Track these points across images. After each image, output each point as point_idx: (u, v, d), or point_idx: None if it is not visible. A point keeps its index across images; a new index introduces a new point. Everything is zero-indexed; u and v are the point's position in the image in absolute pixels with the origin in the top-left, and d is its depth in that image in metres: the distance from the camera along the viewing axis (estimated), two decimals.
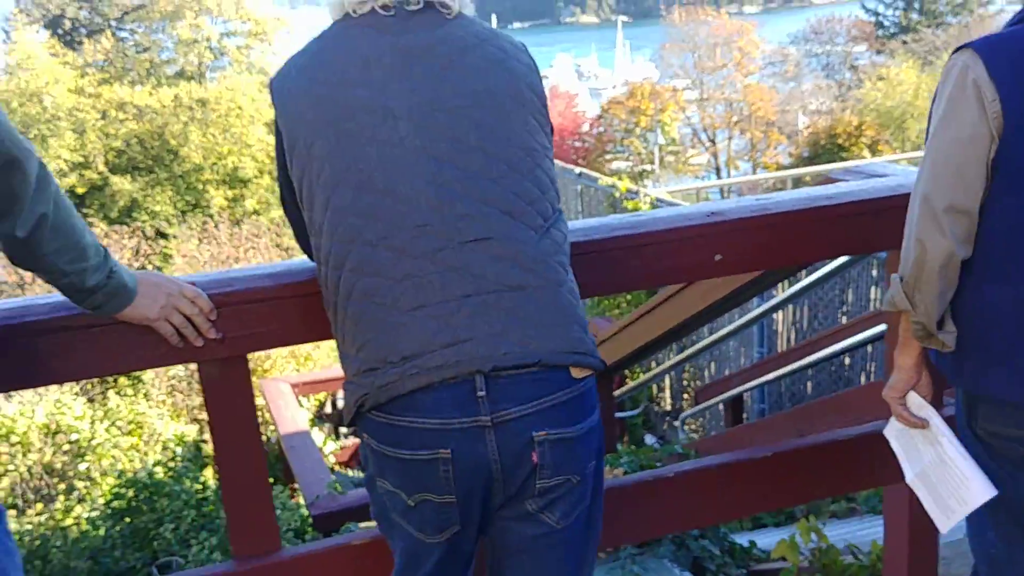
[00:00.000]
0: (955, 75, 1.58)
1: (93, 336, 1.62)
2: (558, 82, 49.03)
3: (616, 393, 5.50)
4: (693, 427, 8.16)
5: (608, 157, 33.76)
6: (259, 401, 8.95)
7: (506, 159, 1.50)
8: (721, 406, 6.07)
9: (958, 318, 1.68)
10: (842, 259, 3.33)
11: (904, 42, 33.87)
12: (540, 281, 1.48)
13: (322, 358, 7.96)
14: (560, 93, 40.50)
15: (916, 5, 39.57)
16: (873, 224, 2.01)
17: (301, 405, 6.17)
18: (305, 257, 1.76)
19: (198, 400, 7.56)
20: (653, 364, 7.37)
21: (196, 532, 4.64)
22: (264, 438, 9.29)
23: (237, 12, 28.24)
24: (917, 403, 1.79)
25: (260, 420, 6.99)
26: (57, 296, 1.64)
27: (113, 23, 27.02)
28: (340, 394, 8.96)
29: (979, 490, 1.69)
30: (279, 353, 7.67)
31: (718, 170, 37.33)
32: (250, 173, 22.88)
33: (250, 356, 6.32)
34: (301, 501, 5.09)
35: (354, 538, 1.91)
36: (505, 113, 1.52)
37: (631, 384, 6.44)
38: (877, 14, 40.96)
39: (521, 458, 1.45)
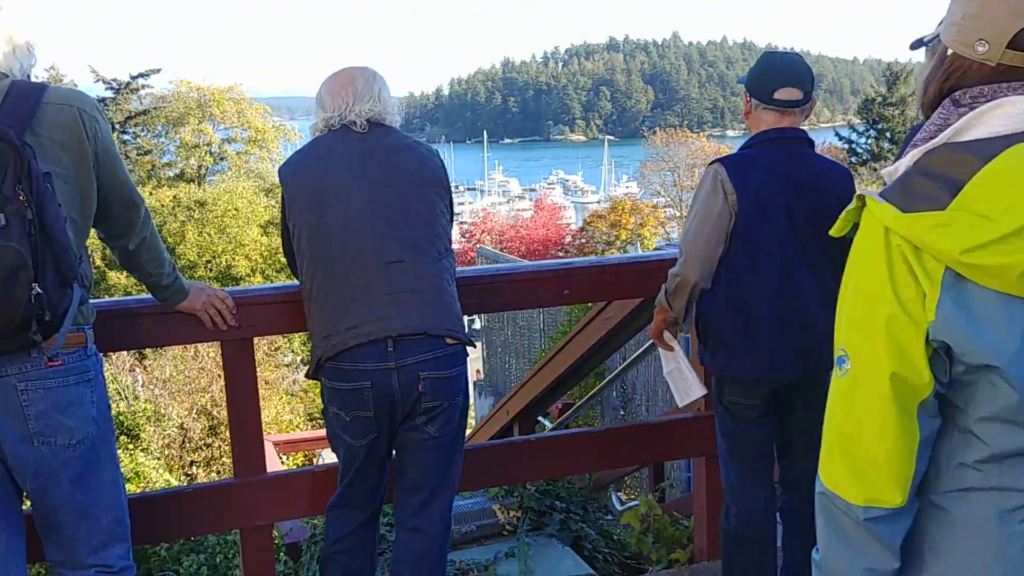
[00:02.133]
0: (710, 178, 2.64)
1: (160, 319, 2.63)
2: (545, 195, 51.06)
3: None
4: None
5: None
6: None
7: (416, 216, 2.55)
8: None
9: (708, 324, 2.70)
10: None
11: (875, 168, 35.66)
12: (430, 288, 2.51)
13: (301, 424, 8.83)
14: (546, 206, 42.37)
15: (888, 135, 41.50)
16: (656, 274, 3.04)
17: (283, 462, 7.02)
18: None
19: (189, 458, 8.40)
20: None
21: (187, 553, 5.46)
22: None
23: (239, 120, 29.94)
24: (667, 337, 2.89)
25: None
26: (135, 298, 2.67)
27: (117, 126, 28.44)
28: (323, 453, 9.76)
29: (698, 390, 2.88)
30: (263, 420, 8.52)
31: None
32: (243, 271, 24.01)
33: None
34: (276, 533, 5.93)
35: (315, 468, 2.88)
36: (418, 190, 2.57)
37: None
38: (850, 142, 43.02)
39: (412, 388, 2.45)
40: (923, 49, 1.49)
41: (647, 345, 5.57)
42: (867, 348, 1.24)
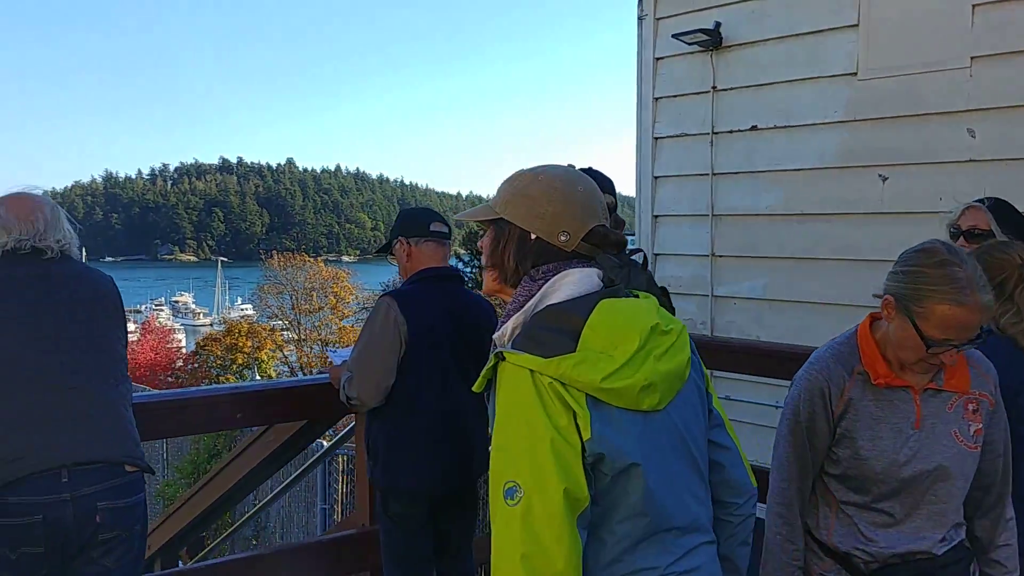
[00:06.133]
0: (382, 310, 2.85)
1: None
2: (153, 317, 48.19)
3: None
4: None
5: None
6: None
7: (91, 341, 2.45)
8: None
9: (377, 441, 2.86)
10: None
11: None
12: (107, 414, 2.40)
13: None
14: (154, 328, 39.90)
15: None
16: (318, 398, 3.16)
17: None
18: None
19: None
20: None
21: None
22: None
23: None
24: None
25: None
26: None
27: None
28: None
29: None
30: None
31: None
32: None
33: None
34: None
35: None
36: (94, 315, 2.49)
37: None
38: (458, 270, 45.95)
39: (89, 519, 2.30)
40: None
41: (294, 476, 5.59)
42: (538, 472, 1.45)
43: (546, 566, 1.43)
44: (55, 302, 2.43)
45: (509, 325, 1.62)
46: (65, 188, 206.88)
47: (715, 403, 1.78)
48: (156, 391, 3.46)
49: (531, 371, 1.49)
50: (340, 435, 4.70)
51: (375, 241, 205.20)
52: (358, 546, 3.17)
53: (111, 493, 2.34)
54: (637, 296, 1.70)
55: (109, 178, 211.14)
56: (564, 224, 1.65)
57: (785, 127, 4.52)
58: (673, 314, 1.78)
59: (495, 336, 1.66)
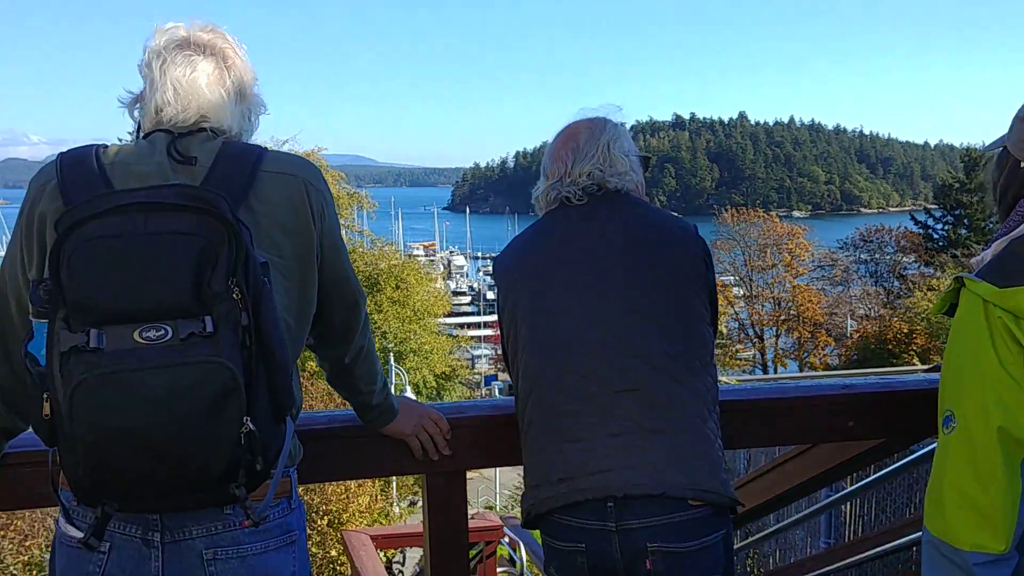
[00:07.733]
0: None
1: (358, 444, 2.04)
2: None
3: None
4: None
5: None
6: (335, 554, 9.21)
7: (661, 323, 1.90)
8: None
9: None
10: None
11: (954, 255, 34.14)
12: (675, 426, 1.85)
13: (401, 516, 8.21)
14: None
15: (965, 221, 40.17)
16: None
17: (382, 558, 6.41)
18: None
19: None
20: None
21: None
22: None
23: None
24: None
25: (338, 571, 7.13)
26: (322, 413, 2.09)
27: None
28: (410, 551, 9.03)
29: None
30: (355, 507, 7.99)
31: (765, 366, 37.61)
32: None
33: (331, 509, 6.61)
34: None
35: None
36: (670, 286, 1.93)
37: None
38: (927, 227, 41.61)
39: (637, 560, 1.81)
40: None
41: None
42: (973, 405, 1.40)
43: (971, 500, 1.39)
44: (594, 270, 1.93)
45: (991, 251, 1.52)
46: (535, 148, 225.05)
47: None
48: (744, 385, 2.75)
49: (984, 301, 1.41)
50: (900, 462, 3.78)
51: (828, 195, 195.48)
52: None
53: (666, 532, 1.81)
54: None
55: None
56: None
57: None
58: None
59: (973, 260, 1.56)
